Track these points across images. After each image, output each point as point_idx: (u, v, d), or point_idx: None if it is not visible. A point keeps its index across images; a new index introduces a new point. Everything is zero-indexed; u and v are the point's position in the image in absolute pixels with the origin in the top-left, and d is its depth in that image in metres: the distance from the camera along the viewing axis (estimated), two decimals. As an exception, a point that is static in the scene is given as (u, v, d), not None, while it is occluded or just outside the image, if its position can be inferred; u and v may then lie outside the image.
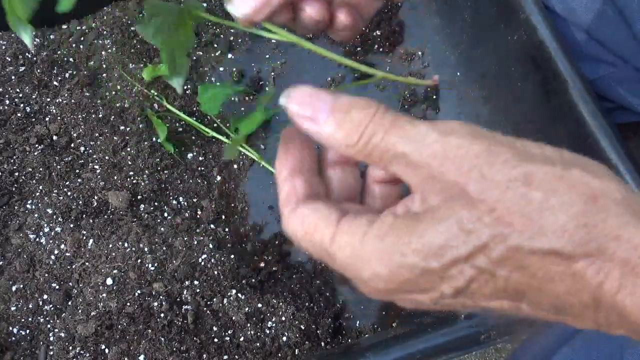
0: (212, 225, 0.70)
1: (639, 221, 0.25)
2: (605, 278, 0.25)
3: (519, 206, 0.25)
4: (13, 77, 0.75)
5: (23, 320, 0.64)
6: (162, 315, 0.61)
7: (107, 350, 0.60)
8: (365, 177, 0.34)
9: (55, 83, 0.76)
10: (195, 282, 0.65)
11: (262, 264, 0.69)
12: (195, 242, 0.67)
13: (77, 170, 0.71)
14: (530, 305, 0.27)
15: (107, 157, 0.70)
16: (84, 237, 0.66)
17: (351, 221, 0.29)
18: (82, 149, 0.72)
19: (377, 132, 0.28)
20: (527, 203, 0.25)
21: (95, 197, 0.68)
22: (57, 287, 0.65)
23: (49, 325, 0.63)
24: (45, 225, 0.67)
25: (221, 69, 0.80)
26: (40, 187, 0.69)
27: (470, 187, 0.26)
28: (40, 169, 0.70)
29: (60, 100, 0.74)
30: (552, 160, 0.27)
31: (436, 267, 0.26)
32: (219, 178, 0.74)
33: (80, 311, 0.62)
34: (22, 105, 0.74)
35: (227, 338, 0.63)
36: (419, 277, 0.27)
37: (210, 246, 0.67)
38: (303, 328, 0.64)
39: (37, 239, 0.67)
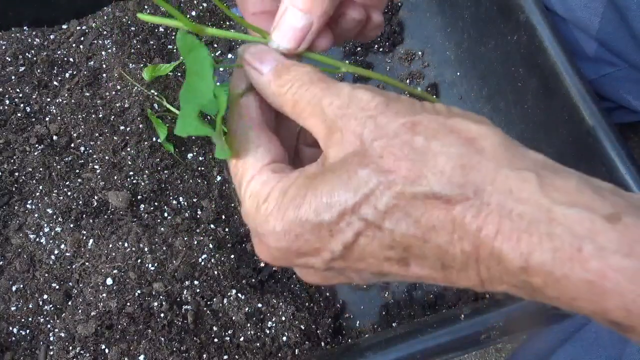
0: (212, 225, 0.70)
1: (513, 165, 0.25)
2: (483, 223, 0.25)
3: (403, 152, 0.26)
4: (13, 77, 0.75)
5: (23, 320, 0.64)
6: (162, 315, 0.61)
7: (107, 350, 0.60)
8: (297, 140, 0.36)
9: (55, 83, 0.76)
10: (195, 282, 0.65)
11: (262, 264, 0.69)
12: (195, 242, 0.67)
13: (77, 170, 0.71)
14: (417, 262, 0.27)
15: (107, 157, 0.70)
16: (84, 237, 0.66)
17: (268, 173, 0.30)
18: (82, 149, 0.72)
19: (305, 84, 0.30)
20: (410, 149, 0.26)
21: (95, 197, 0.68)
22: (57, 287, 0.65)
23: (49, 325, 0.63)
24: (45, 225, 0.67)
25: (221, 69, 0.80)
26: (40, 187, 0.69)
27: (364, 136, 0.27)
28: (40, 169, 0.70)
29: (60, 100, 0.74)
30: (439, 111, 0.28)
31: (326, 220, 0.27)
32: (219, 178, 0.74)
33: (80, 311, 0.62)
34: (22, 105, 0.74)
35: (227, 338, 0.63)
36: (311, 232, 0.27)
37: (210, 246, 0.67)
38: (303, 328, 0.64)
39: (37, 239, 0.67)
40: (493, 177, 0.25)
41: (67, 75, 0.76)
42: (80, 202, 0.67)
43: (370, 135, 0.27)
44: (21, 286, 0.65)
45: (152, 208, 0.69)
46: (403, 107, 0.28)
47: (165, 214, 0.69)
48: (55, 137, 0.72)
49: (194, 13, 0.82)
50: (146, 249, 0.65)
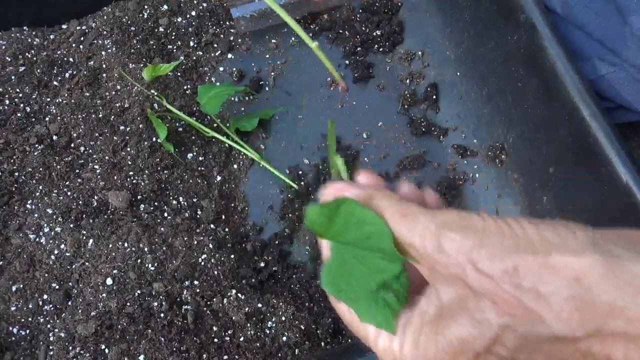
0: (212, 225, 0.70)
1: (624, 292, 0.27)
2: (610, 351, 0.27)
3: (515, 297, 0.28)
4: (13, 77, 0.75)
5: (23, 320, 0.63)
6: (162, 315, 0.61)
7: (107, 350, 0.60)
8: None
9: (55, 83, 0.76)
10: (195, 282, 0.65)
11: (262, 264, 0.69)
12: (195, 242, 0.67)
13: (77, 170, 0.70)
14: None
15: (107, 157, 0.70)
16: (84, 237, 0.66)
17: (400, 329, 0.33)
18: (82, 149, 0.72)
19: (390, 217, 0.33)
20: (521, 294, 0.28)
21: (95, 197, 0.68)
22: (57, 287, 0.65)
23: (49, 325, 0.63)
24: (45, 225, 0.67)
25: (221, 69, 0.80)
26: (40, 187, 0.69)
27: (469, 281, 0.29)
28: (40, 169, 0.70)
29: (60, 100, 0.74)
30: (534, 246, 0.28)
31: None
32: (219, 178, 0.74)
33: (80, 311, 0.62)
34: (22, 105, 0.74)
35: (227, 338, 0.63)
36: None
37: (210, 246, 0.67)
38: (303, 328, 0.64)
39: (37, 239, 0.67)
40: (609, 310, 0.26)
41: (67, 75, 0.76)
42: (80, 202, 0.67)
43: (476, 282, 0.29)
44: (21, 286, 0.65)
45: (152, 208, 0.69)
46: (497, 247, 0.29)
47: (165, 214, 0.69)
48: (55, 137, 0.72)
49: (193, 13, 0.82)
50: (146, 249, 0.65)
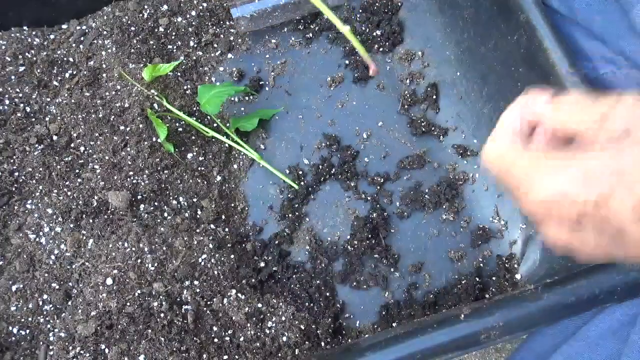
0: (212, 225, 0.70)
1: None
2: None
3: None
4: (13, 77, 0.75)
5: (23, 320, 0.63)
6: (162, 315, 0.61)
7: (107, 350, 0.60)
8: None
9: (55, 83, 0.76)
10: (195, 282, 0.65)
11: (262, 264, 0.69)
12: (195, 242, 0.67)
13: (77, 170, 0.70)
14: None
15: (107, 157, 0.70)
16: (84, 237, 0.66)
17: (531, 151, 0.37)
18: (82, 149, 0.72)
19: (578, 103, 0.37)
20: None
21: (95, 197, 0.68)
22: (57, 287, 0.65)
23: (49, 325, 0.63)
24: (45, 225, 0.67)
25: (221, 69, 0.80)
26: (40, 187, 0.69)
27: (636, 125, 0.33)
28: (40, 169, 0.70)
29: (60, 100, 0.74)
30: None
31: (594, 175, 0.33)
32: (219, 178, 0.74)
33: (80, 311, 0.62)
34: (22, 105, 0.74)
35: (227, 338, 0.63)
36: (582, 182, 0.33)
37: (210, 246, 0.67)
38: (303, 328, 0.64)
39: (37, 239, 0.67)
40: None
41: (67, 75, 0.76)
42: (80, 202, 0.67)
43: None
44: (21, 286, 0.65)
45: (152, 208, 0.69)
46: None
47: (165, 214, 0.69)
48: (55, 137, 0.72)
49: (194, 13, 0.82)
50: (146, 249, 0.65)
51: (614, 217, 0.32)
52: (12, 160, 0.71)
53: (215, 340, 0.62)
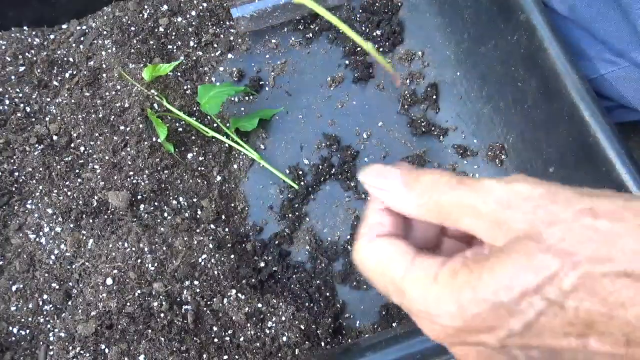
0: (212, 225, 0.70)
1: None
2: None
3: (586, 236, 0.26)
4: (13, 77, 0.75)
5: (23, 320, 0.63)
6: (162, 315, 0.61)
7: (107, 350, 0.60)
8: (440, 234, 0.37)
9: (55, 83, 0.76)
10: (195, 282, 0.65)
11: (262, 264, 0.69)
12: (195, 242, 0.67)
13: (77, 170, 0.70)
14: (599, 338, 0.27)
15: (107, 157, 0.70)
16: (84, 237, 0.66)
17: (424, 260, 0.30)
18: (82, 149, 0.72)
19: (445, 190, 0.30)
20: (594, 232, 0.26)
21: (95, 197, 0.68)
22: (57, 287, 0.65)
23: (49, 325, 0.63)
24: (45, 225, 0.67)
25: (221, 69, 0.80)
26: (40, 187, 0.69)
27: (537, 225, 0.27)
28: (40, 169, 0.70)
29: (60, 100, 0.74)
30: (612, 195, 0.28)
31: (505, 300, 0.27)
32: (219, 178, 0.74)
33: (80, 311, 0.62)
34: (22, 105, 0.74)
35: (227, 338, 0.63)
36: (488, 311, 0.27)
37: (210, 246, 0.67)
38: (303, 328, 0.64)
39: (37, 239, 0.67)
40: None
41: (67, 75, 0.76)
42: (80, 202, 0.67)
43: (545, 221, 0.27)
44: (21, 286, 0.65)
45: (152, 208, 0.69)
46: (570, 193, 0.28)
47: (165, 214, 0.69)
48: (55, 137, 0.72)
49: (194, 13, 0.82)
50: (146, 249, 0.65)
51: (545, 339, 0.28)
52: (12, 160, 0.71)
53: (215, 340, 0.62)
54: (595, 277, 0.26)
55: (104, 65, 0.76)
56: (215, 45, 0.81)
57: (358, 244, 0.33)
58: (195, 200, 0.71)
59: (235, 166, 0.75)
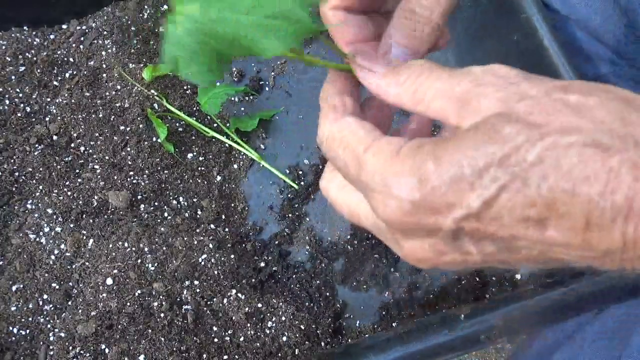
0: (212, 225, 0.70)
1: None
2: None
3: (556, 109, 0.26)
4: (13, 77, 0.75)
5: (23, 320, 0.64)
6: (162, 315, 0.61)
7: (107, 350, 0.60)
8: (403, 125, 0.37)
9: (55, 83, 0.76)
10: (195, 282, 0.65)
11: (262, 264, 0.69)
12: (195, 242, 0.67)
13: (77, 170, 0.71)
14: (558, 223, 0.25)
15: (107, 157, 0.70)
16: (84, 237, 0.66)
17: (391, 138, 0.30)
18: (82, 149, 0.72)
19: (424, 72, 0.30)
20: (564, 105, 0.26)
21: (95, 197, 0.68)
22: (57, 287, 0.65)
23: (49, 325, 0.63)
24: (45, 225, 0.67)
25: (221, 68, 0.80)
26: (40, 187, 0.69)
27: (507, 98, 0.27)
28: (40, 169, 0.70)
29: (60, 100, 0.74)
30: (585, 80, 0.27)
31: (468, 173, 0.26)
32: (219, 178, 0.74)
33: (80, 311, 0.62)
34: (22, 105, 0.74)
35: (227, 338, 0.63)
36: (449, 185, 0.26)
37: (210, 246, 0.67)
38: (303, 328, 0.64)
39: (37, 239, 0.67)
40: None
41: (67, 75, 0.76)
42: (80, 202, 0.67)
43: (515, 97, 0.27)
44: (21, 286, 0.65)
45: (152, 208, 0.69)
46: (546, 78, 0.27)
47: (165, 214, 0.69)
48: (55, 137, 0.72)
49: (194, 13, 0.82)
50: (146, 249, 0.65)
51: (502, 224, 0.26)
52: (12, 160, 0.71)
53: (215, 340, 0.62)
54: (561, 148, 0.25)
55: (104, 65, 0.76)
56: (215, 45, 0.81)
57: (323, 122, 0.32)
58: (195, 200, 0.71)
59: (235, 166, 0.75)
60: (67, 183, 0.70)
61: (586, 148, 0.25)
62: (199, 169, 0.73)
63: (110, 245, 0.65)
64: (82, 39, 0.79)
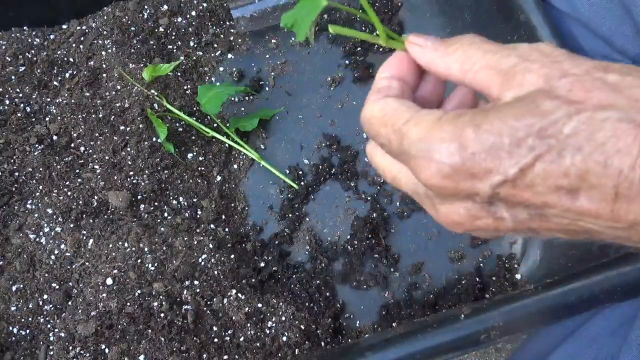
0: (212, 225, 0.70)
1: None
2: None
3: (595, 85, 0.27)
4: (13, 77, 0.75)
5: (23, 320, 0.64)
6: (162, 315, 0.61)
7: (107, 350, 0.60)
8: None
9: (55, 83, 0.76)
10: (195, 282, 0.65)
11: (262, 264, 0.69)
12: (195, 242, 0.67)
13: (77, 170, 0.71)
14: (589, 193, 0.26)
15: (107, 157, 0.70)
16: (84, 237, 0.66)
17: (430, 110, 0.31)
18: (82, 149, 0.72)
19: (474, 44, 0.31)
20: (602, 83, 0.27)
21: (95, 197, 0.68)
22: (57, 287, 0.65)
23: (49, 325, 0.63)
24: (45, 225, 0.67)
25: (221, 69, 0.81)
26: (40, 187, 0.69)
27: (550, 75, 0.28)
28: (40, 169, 0.70)
29: (60, 100, 0.74)
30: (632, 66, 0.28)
31: (506, 142, 0.27)
32: (219, 178, 0.74)
33: (80, 311, 0.62)
34: (22, 105, 0.74)
35: (227, 338, 0.63)
36: (488, 151, 0.27)
37: (210, 246, 0.67)
38: (303, 328, 0.64)
39: (37, 239, 0.67)
40: None
41: (67, 75, 0.76)
42: (80, 202, 0.67)
43: (557, 73, 0.28)
44: (21, 286, 0.65)
45: (152, 208, 0.69)
46: (588, 59, 0.28)
47: (165, 214, 0.69)
48: (55, 137, 0.72)
49: (193, 13, 0.82)
50: (146, 249, 0.65)
51: (536, 192, 0.27)
52: (12, 160, 0.71)
53: (215, 340, 0.62)
54: (596, 122, 0.26)
55: (104, 65, 0.76)
56: (215, 46, 0.81)
57: (366, 103, 0.34)
58: (195, 200, 0.71)
59: (235, 166, 0.75)
60: (67, 183, 0.70)
61: (620, 123, 0.26)
62: (199, 169, 0.73)
63: (110, 245, 0.65)
64: (82, 39, 0.79)
